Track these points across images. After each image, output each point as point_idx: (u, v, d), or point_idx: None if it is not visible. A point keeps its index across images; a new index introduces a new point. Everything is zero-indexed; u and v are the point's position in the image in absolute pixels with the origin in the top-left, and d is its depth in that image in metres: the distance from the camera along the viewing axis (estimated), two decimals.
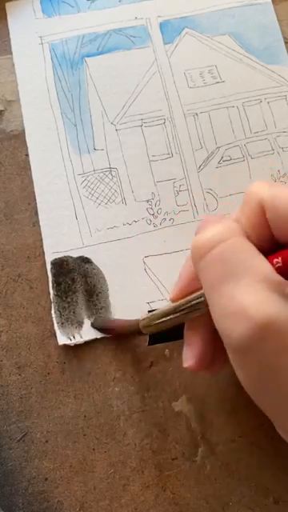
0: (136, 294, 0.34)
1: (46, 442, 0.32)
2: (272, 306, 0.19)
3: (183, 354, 0.26)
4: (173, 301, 0.25)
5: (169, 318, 0.26)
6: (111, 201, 0.35)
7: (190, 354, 0.26)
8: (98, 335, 0.33)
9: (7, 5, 0.38)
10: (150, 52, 0.38)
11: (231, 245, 0.21)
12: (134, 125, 0.36)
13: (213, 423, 0.32)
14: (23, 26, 0.38)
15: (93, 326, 0.33)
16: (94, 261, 0.34)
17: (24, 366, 0.33)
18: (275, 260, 0.21)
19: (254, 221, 0.22)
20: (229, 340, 0.20)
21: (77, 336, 0.33)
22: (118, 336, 0.33)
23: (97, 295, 0.34)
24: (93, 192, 0.35)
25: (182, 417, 0.32)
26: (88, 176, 0.36)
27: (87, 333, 0.33)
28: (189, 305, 0.25)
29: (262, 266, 0.20)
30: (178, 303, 0.25)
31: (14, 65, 0.37)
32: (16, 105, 0.37)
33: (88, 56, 0.37)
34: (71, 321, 0.33)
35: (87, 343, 0.33)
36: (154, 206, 0.35)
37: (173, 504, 0.31)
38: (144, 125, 0.36)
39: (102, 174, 0.36)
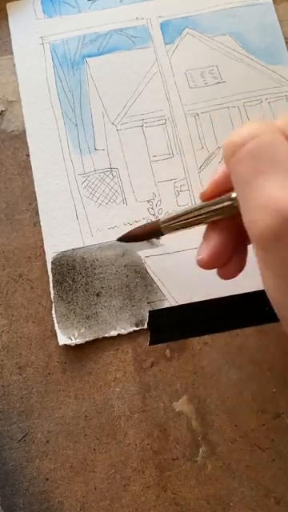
0: (137, 294, 0.34)
1: (47, 442, 0.32)
2: None
3: (198, 249, 0.26)
4: (204, 195, 0.26)
5: (192, 215, 0.26)
6: (112, 201, 0.35)
7: (204, 249, 0.26)
8: (99, 335, 0.33)
9: (8, 5, 0.38)
10: (151, 52, 0.38)
11: (264, 139, 0.21)
12: (135, 125, 0.36)
13: (214, 423, 0.32)
14: (24, 26, 0.38)
15: (119, 240, 0.34)
16: (94, 261, 0.34)
17: (25, 366, 0.33)
18: None
19: None
20: (256, 232, 0.20)
21: (78, 336, 0.33)
22: (140, 239, 0.33)
23: (97, 295, 0.34)
24: (93, 192, 0.35)
25: (183, 417, 0.32)
26: (89, 176, 0.36)
27: (88, 333, 0.33)
28: (215, 206, 0.25)
29: None
30: (204, 203, 0.25)
31: (14, 65, 0.37)
32: (17, 105, 0.37)
33: (89, 56, 0.37)
34: (72, 321, 0.33)
35: (88, 343, 0.33)
36: (154, 206, 0.35)
37: (173, 504, 0.31)
38: (145, 125, 0.36)
39: (102, 174, 0.36)
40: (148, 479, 0.31)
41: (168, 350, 0.33)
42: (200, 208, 0.26)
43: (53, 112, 0.36)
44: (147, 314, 0.33)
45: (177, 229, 0.28)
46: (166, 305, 0.33)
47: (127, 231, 0.33)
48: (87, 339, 0.33)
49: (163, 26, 0.38)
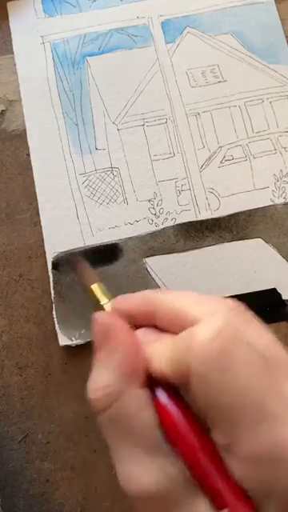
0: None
1: (47, 443, 0.31)
2: (154, 477, 0.18)
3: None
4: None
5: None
6: (113, 200, 0.35)
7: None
8: None
9: (9, 4, 0.38)
10: (152, 51, 0.37)
11: (121, 405, 0.20)
12: (136, 124, 0.36)
13: None
14: (25, 25, 0.38)
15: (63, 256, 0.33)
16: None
17: (25, 366, 0.32)
18: None
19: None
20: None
21: (78, 336, 0.33)
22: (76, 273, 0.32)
23: None
24: (94, 192, 0.35)
25: None
26: (89, 176, 0.35)
27: (88, 333, 0.33)
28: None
29: (149, 432, 0.19)
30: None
31: (15, 64, 0.37)
32: (18, 104, 0.37)
33: (89, 55, 0.37)
34: (72, 321, 0.33)
35: (88, 343, 0.33)
36: (155, 206, 0.35)
37: None
38: (146, 124, 0.36)
39: (103, 174, 0.35)
40: None
41: None
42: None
43: (53, 111, 0.36)
44: None
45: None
46: None
47: (79, 259, 0.33)
48: (88, 340, 0.33)
49: (164, 25, 0.38)
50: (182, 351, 0.19)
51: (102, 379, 0.21)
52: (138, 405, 0.20)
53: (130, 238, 0.34)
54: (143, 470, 0.19)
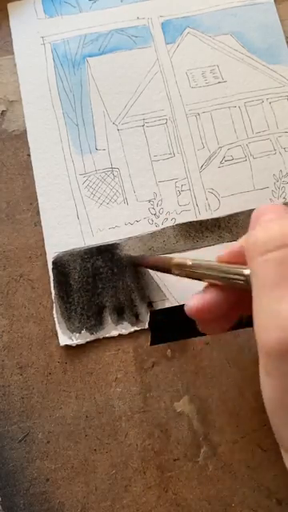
0: (137, 294, 0.33)
1: (48, 442, 0.32)
2: None
3: (193, 295, 0.26)
4: (220, 260, 0.25)
5: (203, 272, 0.26)
6: (113, 201, 0.35)
7: (200, 298, 0.25)
8: (100, 336, 0.33)
9: (9, 5, 0.38)
10: (152, 52, 0.38)
11: None
12: (136, 125, 0.36)
13: (215, 424, 0.32)
14: (25, 26, 0.38)
15: (126, 259, 0.33)
16: (95, 261, 0.34)
17: (25, 366, 0.32)
18: None
19: None
20: (265, 343, 0.20)
21: (78, 336, 0.33)
22: (149, 267, 0.32)
23: (98, 295, 0.33)
24: (94, 192, 0.35)
25: (184, 417, 0.32)
26: (90, 176, 0.36)
27: (89, 333, 0.33)
28: (227, 275, 0.24)
29: None
30: (219, 266, 0.25)
31: (15, 65, 0.37)
32: (18, 105, 0.37)
33: (90, 56, 0.37)
34: (73, 321, 0.33)
35: (89, 343, 0.33)
36: (155, 206, 0.35)
37: (175, 505, 0.31)
38: (146, 125, 0.36)
39: (103, 174, 0.36)
40: (149, 480, 0.31)
41: (169, 350, 0.33)
42: (214, 269, 0.25)
43: (54, 112, 0.36)
44: (148, 314, 0.33)
45: (184, 275, 0.28)
46: (167, 305, 0.33)
47: (139, 255, 0.33)
48: (88, 339, 0.33)
49: (164, 26, 0.38)
50: None
51: (271, 228, 0.21)
52: None
53: (129, 238, 0.34)
54: None
